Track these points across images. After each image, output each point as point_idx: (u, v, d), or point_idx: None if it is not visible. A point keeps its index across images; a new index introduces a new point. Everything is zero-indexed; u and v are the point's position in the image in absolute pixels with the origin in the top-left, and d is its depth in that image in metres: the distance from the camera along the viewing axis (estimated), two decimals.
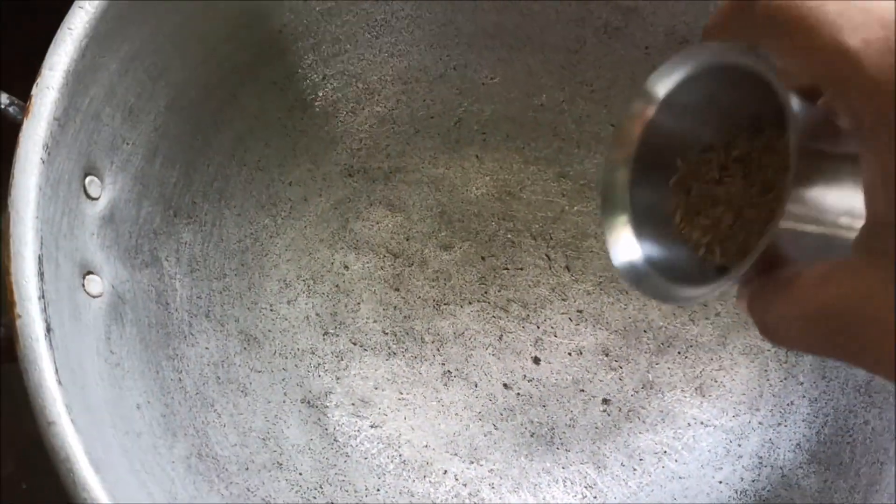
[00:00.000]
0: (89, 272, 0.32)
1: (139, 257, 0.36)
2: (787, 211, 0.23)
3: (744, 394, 0.43)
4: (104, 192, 0.34)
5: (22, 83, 0.32)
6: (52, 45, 0.31)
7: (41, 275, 0.28)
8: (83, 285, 0.32)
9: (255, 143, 0.42)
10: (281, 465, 0.38)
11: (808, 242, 0.25)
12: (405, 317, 0.44)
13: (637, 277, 0.30)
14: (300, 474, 0.39)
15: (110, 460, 0.28)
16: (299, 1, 0.42)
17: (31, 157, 0.29)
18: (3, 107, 0.32)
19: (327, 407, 0.42)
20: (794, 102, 0.24)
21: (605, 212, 0.30)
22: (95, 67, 0.32)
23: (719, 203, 0.29)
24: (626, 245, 0.30)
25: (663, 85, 0.29)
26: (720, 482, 0.41)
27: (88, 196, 0.33)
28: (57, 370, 0.27)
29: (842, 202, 0.24)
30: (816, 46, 0.21)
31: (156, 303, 0.37)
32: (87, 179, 0.33)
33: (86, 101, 0.32)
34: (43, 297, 0.28)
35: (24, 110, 0.30)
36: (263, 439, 0.39)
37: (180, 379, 0.37)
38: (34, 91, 0.30)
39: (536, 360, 0.44)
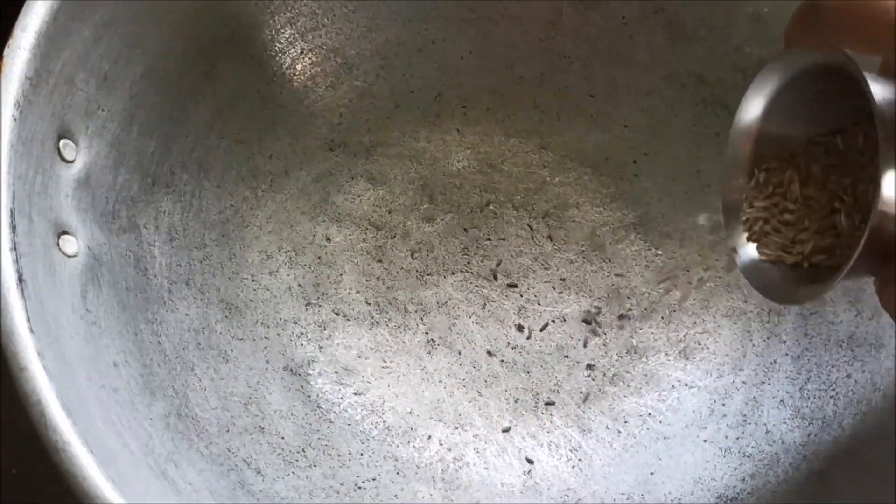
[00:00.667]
0: (64, 232, 0.33)
1: (116, 222, 0.36)
2: (883, 197, 0.24)
3: (727, 355, 0.43)
4: (79, 156, 0.34)
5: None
6: (24, 8, 0.31)
7: (13, 227, 0.28)
8: (58, 244, 0.32)
9: (234, 116, 0.42)
10: (263, 429, 0.38)
11: None
12: (388, 287, 0.44)
13: (759, 279, 0.32)
14: (282, 438, 0.39)
15: (85, 409, 0.28)
16: None
17: (2, 113, 0.30)
18: None
19: (310, 375, 0.42)
20: (882, 91, 0.25)
21: (727, 221, 0.33)
22: (68, 31, 0.33)
23: (818, 207, 0.31)
24: (748, 250, 0.33)
25: (758, 102, 0.32)
26: (705, 441, 0.41)
27: (63, 158, 0.33)
28: (29, 318, 0.27)
29: None
30: (884, 26, 0.24)
31: (134, 268, 0.37)
32: (62, 142, 0.33)
33: (58, 64, 0.32)
34: (15, 248, 0.28)
35: None
36: (245, 404, 0.39)
37: (159, 342, 0.37)
38: (6, 51, 0.31)
39: (520, 328, 0.44)
